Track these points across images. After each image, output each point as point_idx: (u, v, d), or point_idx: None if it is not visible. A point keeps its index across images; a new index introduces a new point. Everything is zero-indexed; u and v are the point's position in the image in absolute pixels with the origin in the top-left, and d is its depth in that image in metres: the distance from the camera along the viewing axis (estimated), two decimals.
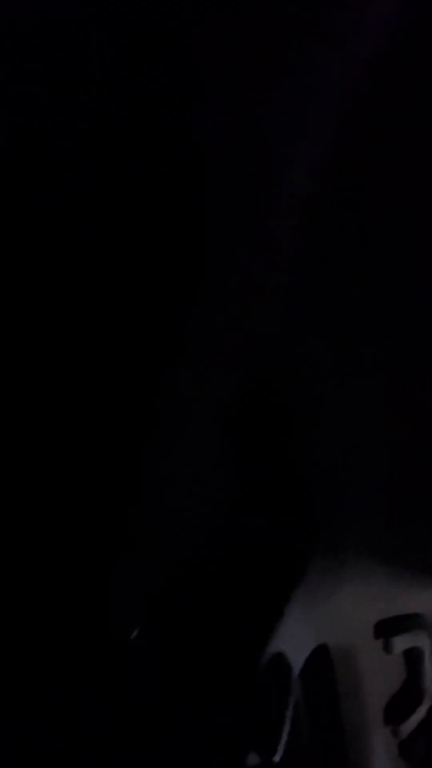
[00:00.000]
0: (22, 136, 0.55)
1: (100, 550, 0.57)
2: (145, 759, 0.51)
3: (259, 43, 0.49)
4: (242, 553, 0.63)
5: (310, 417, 0.60)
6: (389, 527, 0.64)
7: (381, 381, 0.54)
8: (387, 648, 0.69)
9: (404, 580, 0.69)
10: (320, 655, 0.64)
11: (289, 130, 0.49)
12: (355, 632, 0.67)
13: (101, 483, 0.57)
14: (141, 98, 0.53)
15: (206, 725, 0.53)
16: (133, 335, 0.55)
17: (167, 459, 0.58)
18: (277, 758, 0.52)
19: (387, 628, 0.69)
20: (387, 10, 0.45)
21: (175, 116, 0.52)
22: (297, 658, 0.59)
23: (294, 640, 0.59)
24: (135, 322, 0.55)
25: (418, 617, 0.72)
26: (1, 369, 0.56)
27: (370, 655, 0.69)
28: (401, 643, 0.70)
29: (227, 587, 0.61)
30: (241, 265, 0.53)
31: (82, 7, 0.53)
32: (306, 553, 0.63)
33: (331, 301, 0.52)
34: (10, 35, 0.53)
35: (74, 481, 0.57)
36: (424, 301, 0.50)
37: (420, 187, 0.48)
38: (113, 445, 0.56)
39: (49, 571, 0.57)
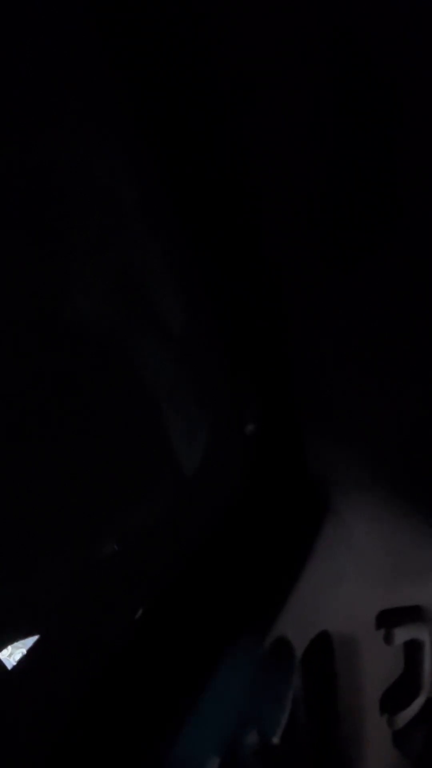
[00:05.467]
0: None
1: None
2: (145, 759, 0.50)
3: None
4: (249, 538, 0.63)
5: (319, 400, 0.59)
6: (396, 517, 0.64)
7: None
8: (388, 638, 0.69)
9: (408, 572, 0.69)
10: (322, 641, 0.64)
11: None
12: (357, 621, 0.68)
13: None
14: None
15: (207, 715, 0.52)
16: None
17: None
18: (276, 740, 0.52)
19: (389, 619, 0.69)
20: None
21: None
22: (299, 643, 0.59)
23: (297, 625, 0.59)
24: None
25: (419, 610, 0.72)
26: None
27: (371, 644, 0.69)
28: (402, 634, 0.70)
29: (233, 572, 0.61)
30: None
31: None
32: (312, 539, 0.63)
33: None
34: None
35: None
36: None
37: None
38: None
39: None
